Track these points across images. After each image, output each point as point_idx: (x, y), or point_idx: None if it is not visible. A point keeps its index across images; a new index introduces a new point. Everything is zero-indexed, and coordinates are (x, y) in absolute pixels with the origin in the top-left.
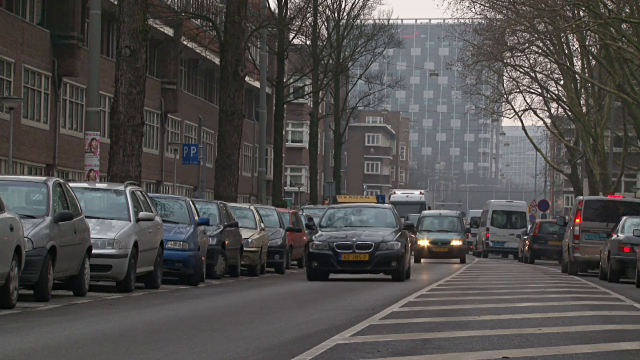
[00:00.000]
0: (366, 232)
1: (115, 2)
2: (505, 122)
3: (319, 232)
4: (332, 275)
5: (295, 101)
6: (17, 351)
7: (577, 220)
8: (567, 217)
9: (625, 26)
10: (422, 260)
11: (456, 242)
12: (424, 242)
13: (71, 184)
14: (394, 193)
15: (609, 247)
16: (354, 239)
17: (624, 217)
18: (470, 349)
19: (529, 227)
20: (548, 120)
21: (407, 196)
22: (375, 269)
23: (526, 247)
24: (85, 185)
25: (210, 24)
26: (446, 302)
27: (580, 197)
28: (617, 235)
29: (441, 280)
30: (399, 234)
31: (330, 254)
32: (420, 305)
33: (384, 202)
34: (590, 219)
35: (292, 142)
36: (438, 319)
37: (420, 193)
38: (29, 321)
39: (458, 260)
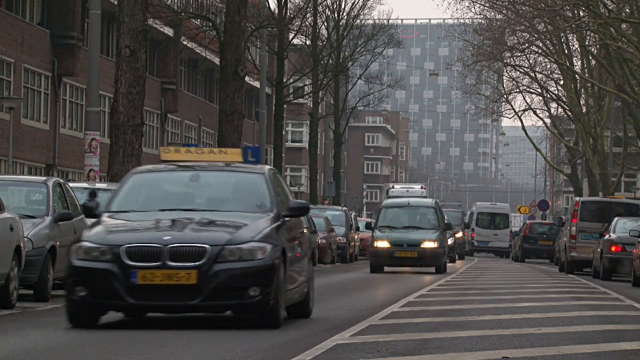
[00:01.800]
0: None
1: (115, 2)
2: (505, 122)
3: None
4: (330, 275)
5: (295, 101)
6: (17, 351)
7: (574, 221)
8: (564, 218)
9: (625, 26)
10: (386, 268)
11: (429, 244)
12: (383, 244)
13: (71, 184)
14: (393, 187)
15: (601, 246)
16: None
17: (616, 218)
18: (470, 349)
19: (520, 227)
20: (548, 120)
21: (407, 191)
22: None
23: (517, 247)
24: (85, 185)
25: (210, 24)
26: (446, 302)
27: (577, 198)
28: (610, 235)
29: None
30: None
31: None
32: (420, 305)
33: (256, 156)
34: (587, 220)
35: (292, 142)
36: (438, 319)
37: (422, 187)
38: (28, 321)
39: (433, 269)
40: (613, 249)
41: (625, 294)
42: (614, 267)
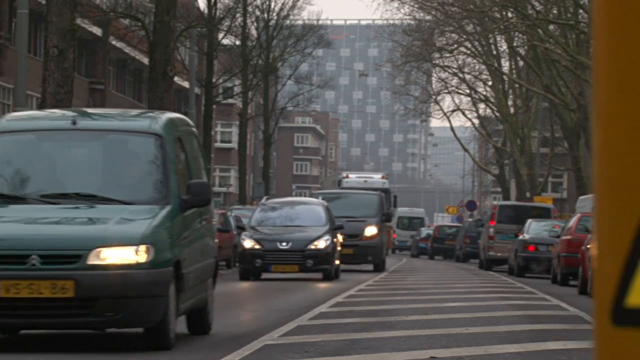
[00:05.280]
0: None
1: (43, 2)
2: (434, 123)
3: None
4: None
5: (225, 101)
6: None
7: (492, 223)
8: (483, 219)
9: (552, 27)
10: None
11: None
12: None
13: None
14: (347, 177)
15: (516, 246)
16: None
17: (530, 220)
18: (398, 349)
19: (431, 229)
20: (476, 121)
21: (366, 181)
22: None
23: (429, 245)
24: None
25: (139, 23)
26: (374, 302)
27: (495, 202)
28: (524, 236)
29: (369, 280)
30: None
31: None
32: (348, 306)
33: None
34: (503, 222)
35: (221, 142)
36: (366, 319)
37: (383, 177)
38: None
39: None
40: (527, 248)
41: (552, 293)
42: (528, 265)
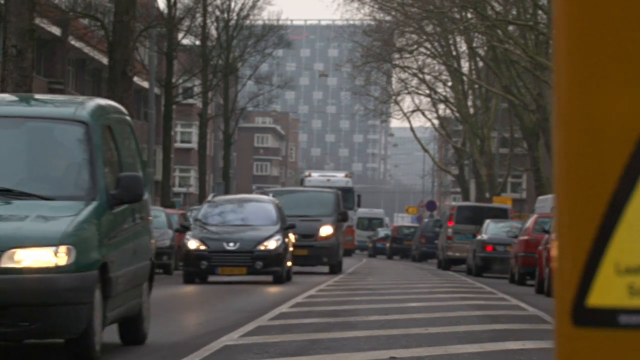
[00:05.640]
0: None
1: (2, 2)
2: (394, 123)
3: None
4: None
5: (185, 102)
6: None
7: (450, 224)
8: (442, 220)
9: (512, 28)
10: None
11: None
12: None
13: None
14: (309, 175)
15: (474, 246)
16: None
17: (488, 220)
18: (358, 349)
19: (389, 229)
20: (436, 122)
21: (329, 180)
22: None
23: (388, 246)
24: None
25: (99, 23)
26: (335, 302)
27: (453, 203)
28: (482, 236)
29: (329, 281)
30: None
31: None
32: (308, 306)
33: None
34: (461, 222)
35: (181, 142)
36: (326, 320)
37: (346, 176)
38: None
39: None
40: (485, 248)
41: (509, 292)
42: (486, 265)
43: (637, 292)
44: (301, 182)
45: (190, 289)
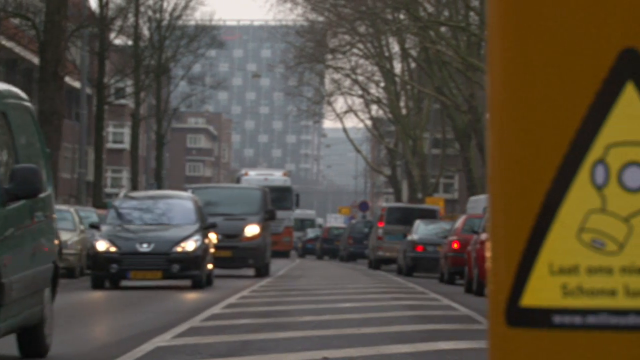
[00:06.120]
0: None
1: None
2: (327, 124)
3: None
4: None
5: (117, 102)
6: None
7: (380, 224)
8: (373, 221)
9: (444, 29)
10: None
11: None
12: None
13: None
14: (246, 174)
15: (405, 246)
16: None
17: (417, 221)
18: (291, 349)
19: (319, 230)
20: (369, 122)
21: (266, 179)
22: None
23: (318, 246)
24: None
25: (30, 23)
26: (267, 303)
27: (384, 205)
28: (412, 237)
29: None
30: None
31: None
32: (241, 307)
33: None
34: (392, 223)
35: (113, 143)
36: (259, 320)
37: (284, 174)
38: None
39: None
40: (416, 248)
41: (440, 292)
42: (416, 264)
43: (570, 292)
44: (237, 181)
45: (99, 294)
